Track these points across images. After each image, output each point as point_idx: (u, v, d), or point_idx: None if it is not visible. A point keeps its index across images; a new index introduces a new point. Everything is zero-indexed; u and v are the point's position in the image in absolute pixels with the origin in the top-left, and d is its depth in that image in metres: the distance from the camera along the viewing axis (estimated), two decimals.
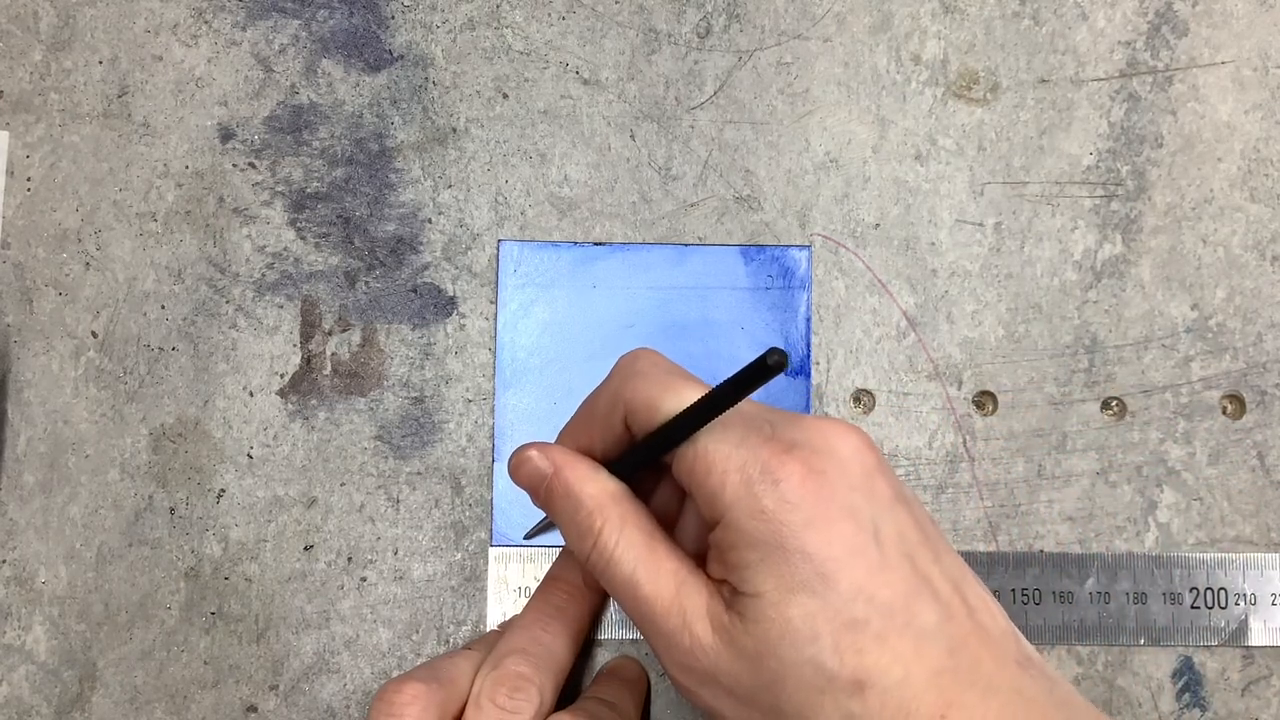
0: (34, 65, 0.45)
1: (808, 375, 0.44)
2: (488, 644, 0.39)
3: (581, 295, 0.45)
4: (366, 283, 0.45)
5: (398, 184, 0.45)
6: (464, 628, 0.43)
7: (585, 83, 0.46)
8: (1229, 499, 0.44)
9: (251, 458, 0.44)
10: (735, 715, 0.32)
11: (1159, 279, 0.45)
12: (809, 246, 0.45)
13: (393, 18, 0.46)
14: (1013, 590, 0.43)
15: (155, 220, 0.45)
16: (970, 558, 0.43)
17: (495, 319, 0.45)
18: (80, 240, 0.45)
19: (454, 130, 0.45)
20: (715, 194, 0.45)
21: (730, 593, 0.32)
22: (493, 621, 0.43)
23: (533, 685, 0.36)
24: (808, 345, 0.45)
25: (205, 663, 0.43)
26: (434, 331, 0.45)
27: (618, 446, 0.36)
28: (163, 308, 0.44)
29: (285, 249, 0.45)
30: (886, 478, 0.32)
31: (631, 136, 0.45)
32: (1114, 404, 0.44)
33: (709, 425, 0.33)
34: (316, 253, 0.45)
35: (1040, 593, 0.43)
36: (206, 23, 0.46)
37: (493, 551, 0.43)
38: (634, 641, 0.43)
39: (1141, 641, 0.43)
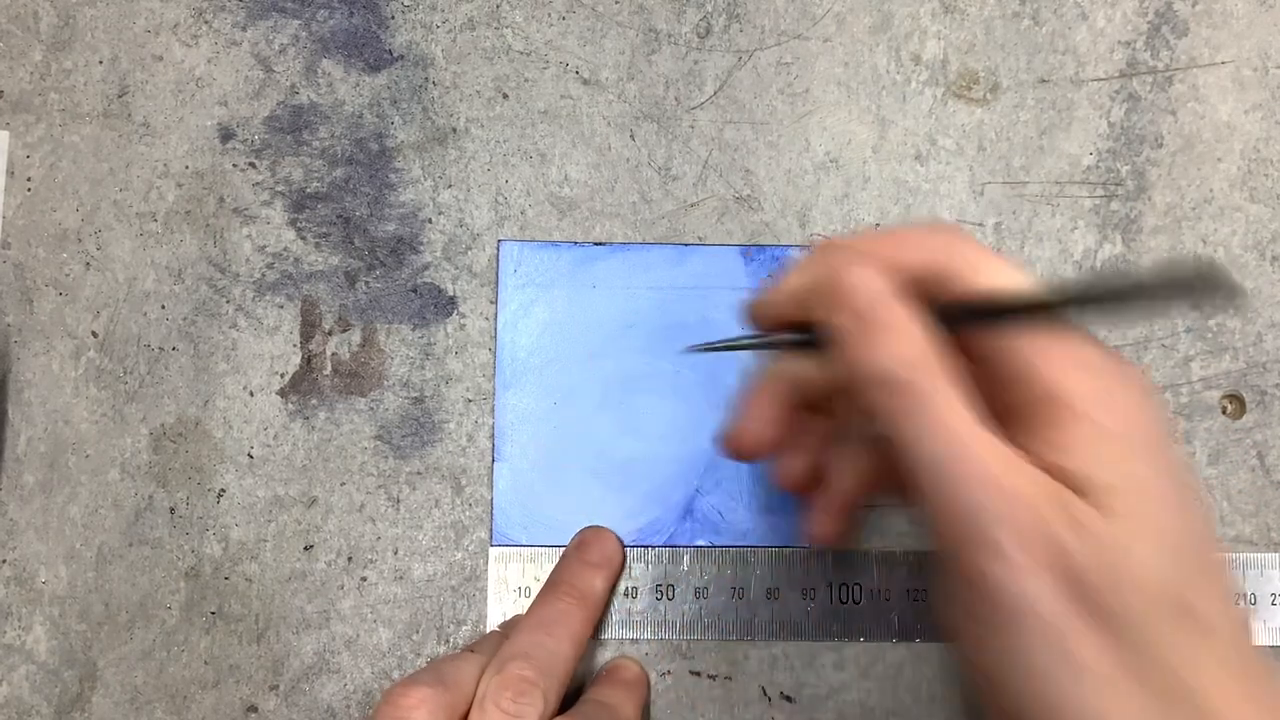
0: (34, 65, 0.45)
1: None
2: (490, 645, 0.39)
3: (581, 295, 0.45)
4: (366, 283, 0.45)
5: (398, 184, 0.45)
6: (464, 627, 0.43)
7: (585, 83, 0.46)
8: (1229, 499, 0.44)
9: (251, 458, 0.44)
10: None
11: None
12: (809, 246, 0.45)
13: (393, 18, 0.46)
14: None
15: (155, 220, 0.45)
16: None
17: (495, 319, 0.45)
18: (80, 240, 0.45)
19: (454, 130, 0.45)
20: (715, 194, 0.45)
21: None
22: (493, 621, 0.43)
23: (537, 689, 0.36)
24: None
25: (205, 663, 0.43)
26: (434, 331, 0.45)
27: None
28: (163, 308, 0.44)
29: (285, 249, 0.45)
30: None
31: (631, 136, 0.45)
32: None
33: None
34: (316, 253, 0.45)
35: None
36: (206, 23, 0.46)
37: (493, 551, 0.43)
38: (634, 641, 0.43)
39: None
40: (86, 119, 0.45)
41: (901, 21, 0.46)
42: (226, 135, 0.45)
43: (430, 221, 0.45)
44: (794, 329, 0.34)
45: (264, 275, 0.45)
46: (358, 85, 0.45)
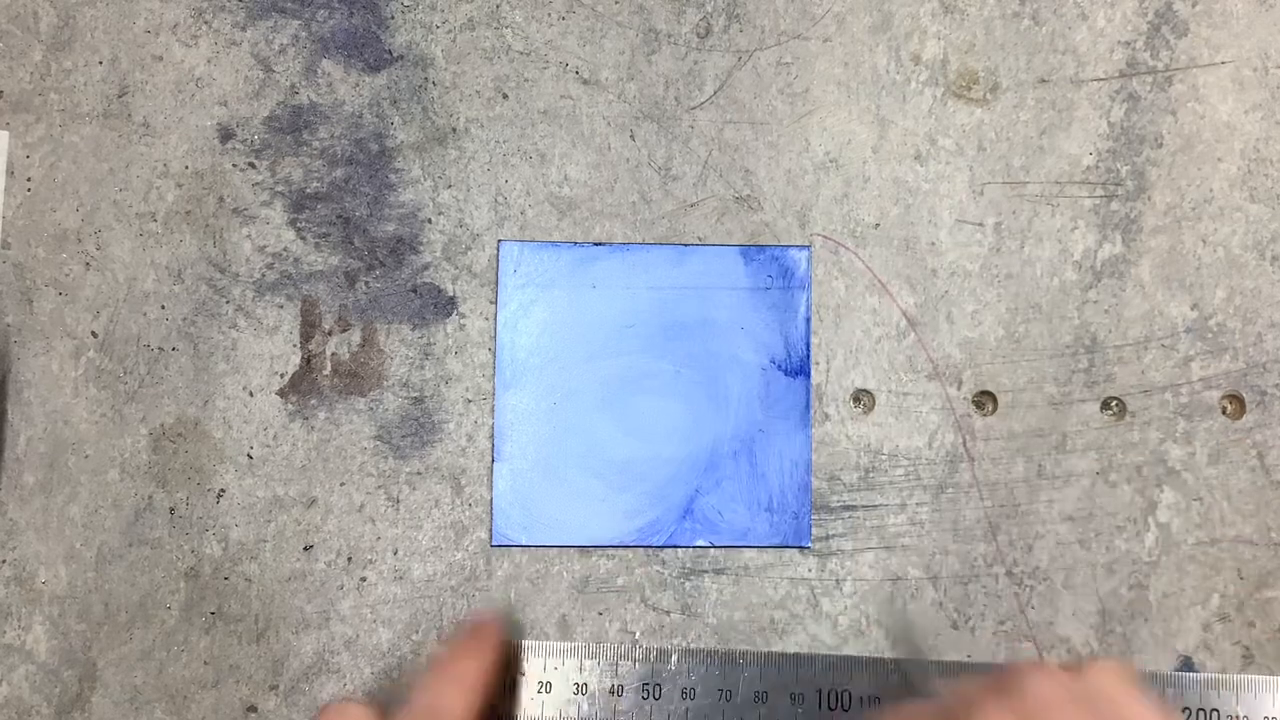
0: (34, 65, 0.45)
1: (808, 375, 0.44)
2: (389, 695, 0.39)
3: (581, 295, 0.45)
4: (366, 283, 0.45)
5: (398, 184, 0.45)
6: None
7: (585, 83, 0.46)
8: (1229, 499, 0.44)
9: (251, 458, 0.44)
10: None
11: (1159, 279, 0.45)
12: (809, 246, 0.45)
13: (393, 18, 0.46)
14: None
15: (155, 220, 0.45)
16: (960, 668, 0.43)
17: (495, 319, 0.45)
18: (80, 240, 0.45)
19: (454, 130, 0.45)
20: (715, 194, 0.45)
21: None
22: None
23: None
24: (807, 345, 0.45)
25: (205, 663, 0.43)
26: (434, 331, 0.45)
27: None
28: (163, 308, 0.44)
29: (285, 249, 0.45)
30: None
31: (631, 136, 0.45)
32: (1114, 404, 0.44)
33: None
34: (316, 253, 0.45)
35: None
36: (206, 23, 0.46)
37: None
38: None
39: None
40: (86, 119, 0.45)
41: (901, 21, 0.46)
42: (226, 135, 0.45)
43: (430, 221, 0.45)
44: None
45: (264, 275, 0.45)
46: (358, 85, 0.45)
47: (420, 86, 0.45)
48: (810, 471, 0.44)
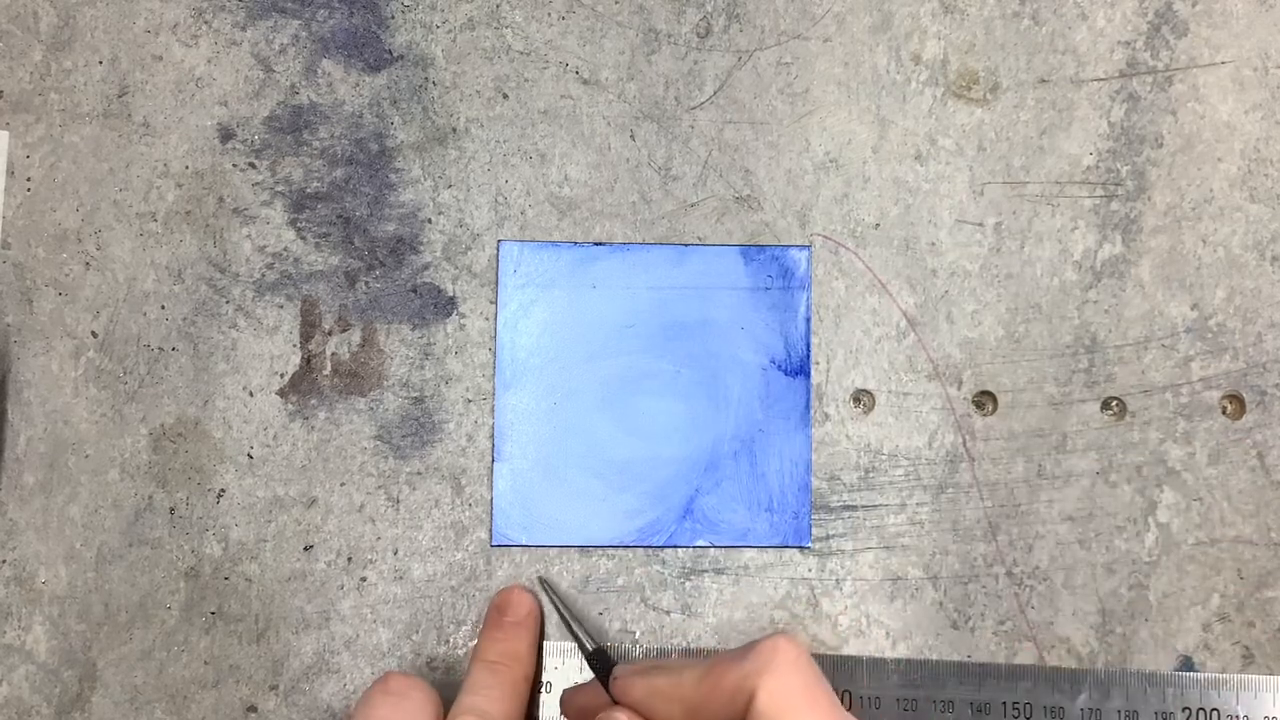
0: (34, 65, 0.45)
1: (808, 375, 0.44)
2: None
3: (581, 295, 0.45)
4: (366, 283, 0.45)
5: (398, 184, 0.45)
6: (464, 628, 0.43)
7: (585, 83, 0.46)
8: (1229, 499, 0.44)
9: (251, 458, 0.44)
10: None
11: (1159, 279, 0.45)
12: (809, 246, 0.45)
13: (393, 18, 0.46)
14: (1003, 704, 0.42)
15: (155, 220, 0.45)
16: (962, 669, 0.43)
17: (495, 319, 0.45)
18: (80, 240, 0.45)
19: (454, 130, 0.45)
20: (715, 194, 0.45)
21: None
22: None
23: None
24: (807, 345, 0.45)
25: (205, 663, 0.43)
26: (434, 331, 0.45)
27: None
28: (163, 308, 0.44)
29: (285, 249, 0.45)
30: None
31: (631, 136, 0.45)
32: (1114, 404, 0.44)
33: None
34: (316, 253, 0.45)
35: (1031, 707, 0.42)
36: (206, 23, 0.46)
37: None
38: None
39: None
40: (86, 119, 0.45)
41: (901, 21, 0.46)
42: (226, 135, 0.45)
43: (430, 221, 0.45)
44: None
45: (264, 275, 0.45)
46: (358, 85, 0.45)
47: (420, 86, 0.45)
48: (810, 471, 0.44)
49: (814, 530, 0.44)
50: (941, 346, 0.45)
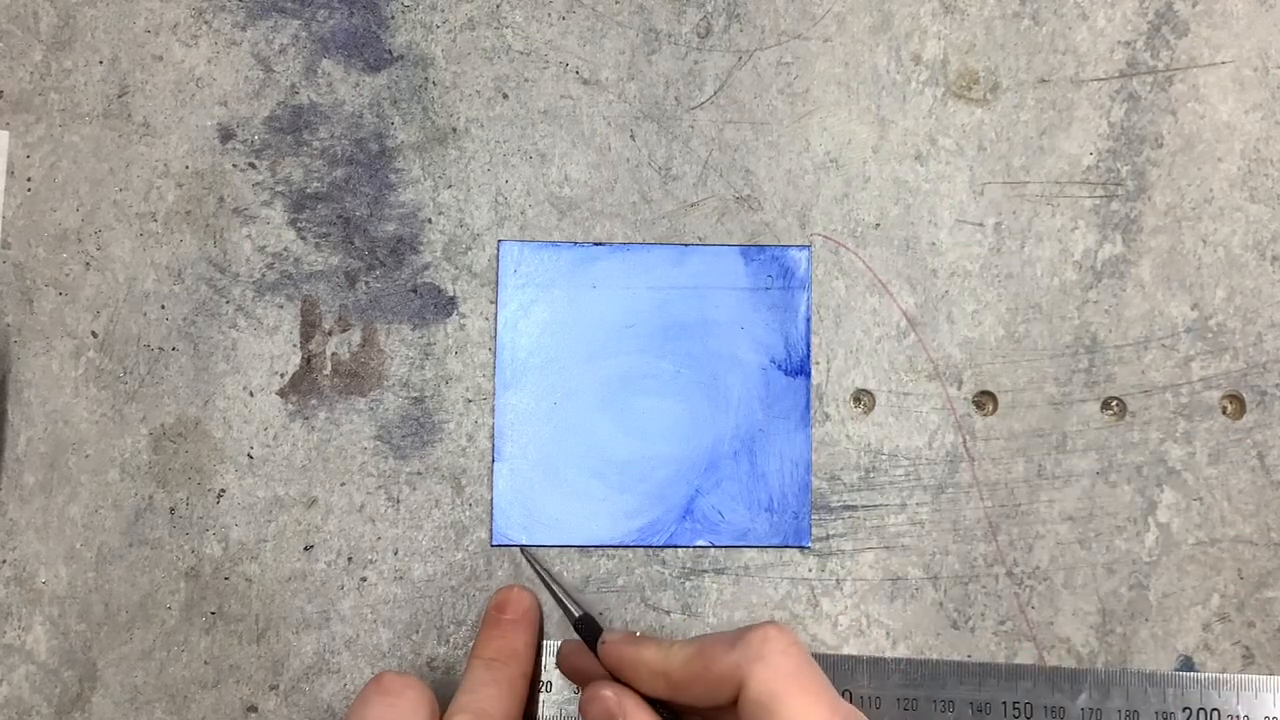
0: (34, 65, 0.45)
1: (808, 375, 0.44)
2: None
3: (581, 295, 0.45)
4: (366, 283, 0.45)
5: (398, 184, 0.45)
6: (464, 628, 0.43)
7: (585, 83, 0.46)
8: (1229, 499, 0.44)
9: (251, 458, 0.44)
10: None
11: (1159, 279, 0.45)
12: (809, 246, 0.45)
13: (393, 18, 0.46)
14: (1004, 703, 0.42)
15: (155, 220, 0.45)
16: (962, 669, 0.43)
17: (495, 319, 0.45)
18: (80, 240, 0.45)
19: (454, 130, 0.45)
20: (715, 194, 0.45)
21: None
22: None
23: None
24: (808, 345, 0.45)
25: (205, 663, 0.43)
26: (434, 331, 0.45)
27: (708, 703, 0.36)
28: (163, 308, 0.44)
29: (285, 249, 0.45)
30: None
31: (631, 136, 0.45)
32: (1114, 404, 0.44)
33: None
34: (316, 253, 0.45)
35: (1031, 707, 0.42)
36: (206, 23, 0.46)
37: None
38: None
39: None
40: (86, 119, 0.45)
41: (901, 21, 0.46)
42: (226, 135, 0.45)
43: (430, 221, 0.45)
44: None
45: (264, 275, 0.45)
46: (358, 85, 0.45)
47: (420, 86, 0.45)
48: (810, 471, 0.44)
49: (814, 530, 0.44)
50: (941, 346, 0.45)
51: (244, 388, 0.44)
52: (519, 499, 0.44)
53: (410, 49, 0.46)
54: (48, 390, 0.44)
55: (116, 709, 0.43)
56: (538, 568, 0.43)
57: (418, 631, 0.43)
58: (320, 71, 0.45)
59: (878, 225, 0.45)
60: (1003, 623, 0.44)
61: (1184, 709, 0.42)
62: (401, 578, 0.44)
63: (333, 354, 0.44)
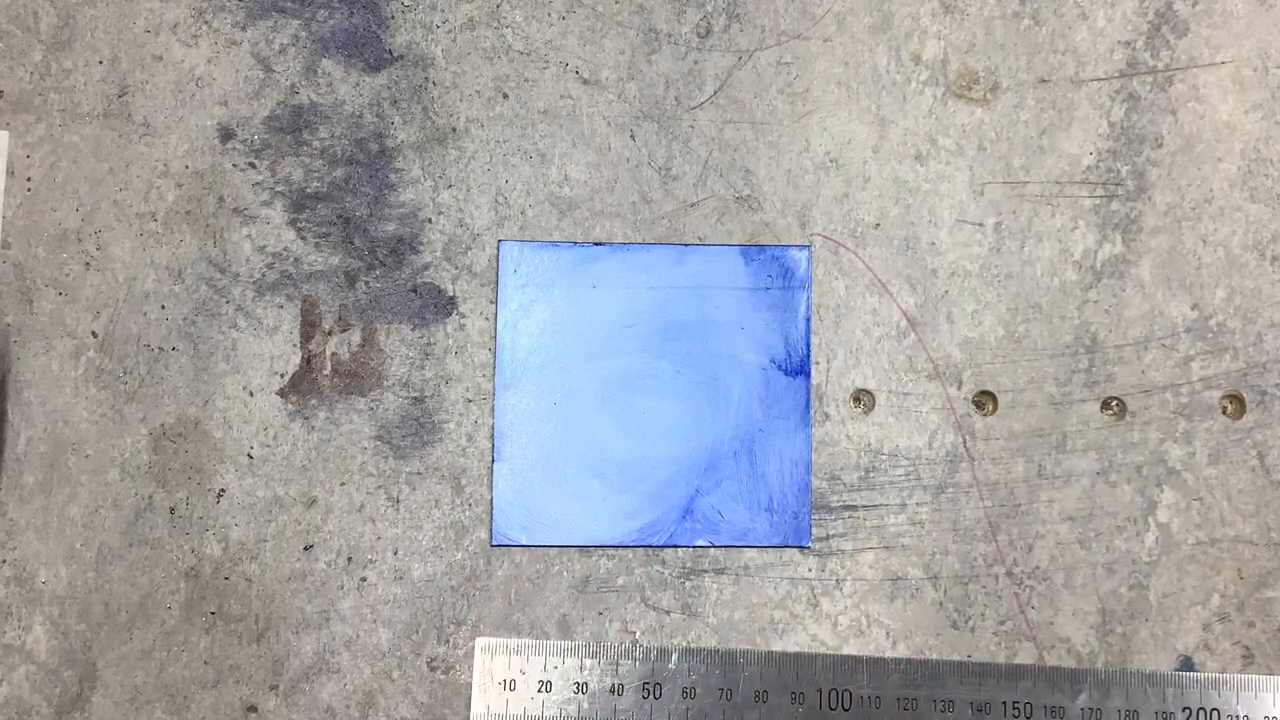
0: (34, 65, 0.45)
1: (808, 375, 0.44)
2: None
3: (581, 295, 0.45)
4: (366, 283, 0.45)
5: (398, 184, 0.45)
6: (464, 628, 0.43)
7: (585, 83, 0.46)
8: (1229, 499, 0.44)
9: (251, 458, 0.44)
10: None
11: (1159, 279, 0.45)
12: (809, 246, 0.45)
13: (393, 18, 0.46)
14: (1003, 704, 0.42)
15: (155, 220, 0.45)
16: (962, 669, 0.43)
17: (495, 319, 0.45)
18: (80, 240, 0.45)
19: (454, 130, 0.45)
20: (715, 194, 0.45)
21: None
22: (477, 717, 0.43)
23: None
24: (808, 345, 0.45)
25: (205, 663, 0.43)
26: (434, 331, 0.45)
27: None
28: (163, 308, 0.44)
29: (285, 249, 0.45)
30: None
31: (631, 136, 0.45)
32: (1114, 404, 0.44)
33: None
34: (316, 253, 0.45)
35: (1031, 707, 0.42)
36: (206, 23, 0.46)
37: (479, 642, 0.43)
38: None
39: None
40: (86, 119, 0.45)
41: (901, 21, 0.46)
42: (226, 135, 0.45)
43: (430, 221, 0.45)
44: None
45: (264, 275, 0.45)
46: (358, 85, 0.45)
47: (420, 86, 0.45)
48: (810, 471, 0.44)
49: (814, 530, 0.44)
50: (941, 346, 0.45)
51: (244, 388, 0.44)
52: (519, 499, 0.44)
53: (410, 49, 0.46)
54: (48, 390, 0.44)
55: (116, 709, 0.43)
56: None
57: (417, 631, 0.43)
58: (320, 71, 0.45)
59: (878, 225, 0.45)
60: (1003, 623, 0.44)
61: (1184, 709, 0.42)
62: (401, 578, 0.44)
63: (333, 354, 0.45)
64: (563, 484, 0.44)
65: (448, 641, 0.43)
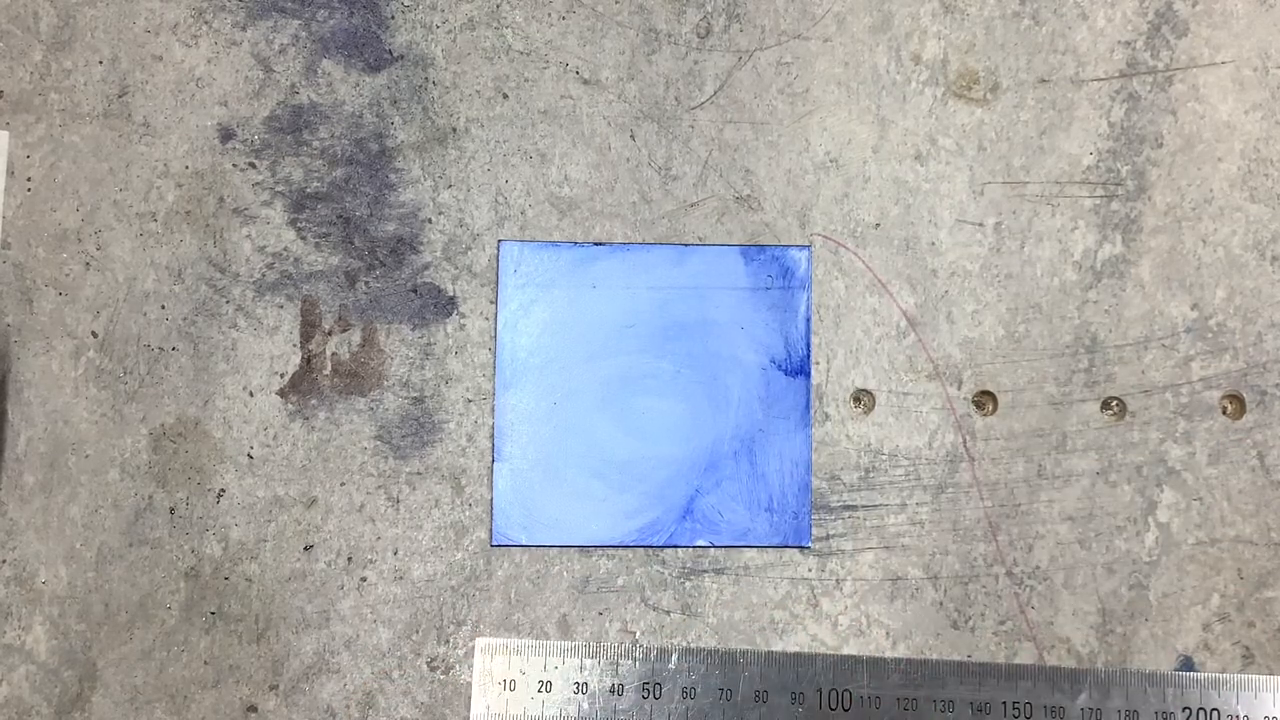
0: (34, 65, 0.45)
1: (808, 375, 0.44)
2: None
3: (581, 295, 0.45)
4: (366, 283, 0.45)
5: (398, 184, 0.45)
6: (464, 628, 0.43)
7: (585, 83, 0.46)
8: (1229, 499, 0.44)
9: (251, 458, 0.44)
10: None
11: (1159, 279, 0.45)
12: (809, 246, 0.45)
13: (393, 18, 0.46)
14: (1003, 704, 0.42)
15: (155, 220, 0.45)
16: (962, 669, 0.43)
17: (495, 319, 0.45)
18: (80, 240, 0.45)
19: (454, 130, 0.45)
20: (715, 194, 0.45)
21: None
22: (477, 717, 0.43)
23: None
24: (808, 345, 0.45)
25: (205, 663, 0.43)
26: (434, 331, 0.45)
27: None
28: (163, 308, 0.44)
29: (285, 249, 0.45)
30: None
31: (631, 136, 0.45)
32: (1114, 404, 0.44)
33: None
34: (316, 253, 0.45)
35: (1031, 707, 0.42)
36: (206, 23, 0.46)
37: (479, 642, 0.43)
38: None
39: None
40: (86, 119, 0.45)
41: (901, 21, 0.46)
42: (226, 135, 0.45)
43: (430, 221, 0.45)
44: None
45: (264, 275, 0.45)
46: (358, 85, 0.45)
47: (420, 86, 0.45)
48: (810, 471, 0.44)
49: (814, 530, 0.44)
50: (941, 346, 0.45)
51: (244, 388, 0.44)
52: (519, 499, 0.44)
53: (410, 49, 0.46)
54: (48, 390, 0.44)
55: (116, 709, 0.43)
56: None
57: (417, 631, 0.43)
58: (320, 71, 0.45)
59: (878, 225, 0.45)
60: (1003, 623, 0.44)
61: (1184, 709, 0.42)
62: (401, 578, 0.44)
63: (333, 354, 0.45)
64: (563, 484, 0.44)
65: (448, 641, 0.43)
